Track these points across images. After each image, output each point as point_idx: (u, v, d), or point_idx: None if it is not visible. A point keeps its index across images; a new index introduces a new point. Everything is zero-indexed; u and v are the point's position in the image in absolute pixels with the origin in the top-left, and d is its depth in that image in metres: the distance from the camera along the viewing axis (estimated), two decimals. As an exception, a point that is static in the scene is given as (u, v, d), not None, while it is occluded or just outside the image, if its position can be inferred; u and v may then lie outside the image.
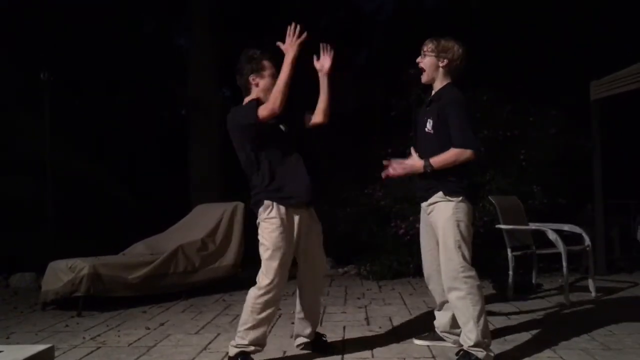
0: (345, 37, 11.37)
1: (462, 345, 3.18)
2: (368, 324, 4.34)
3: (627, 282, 6.02)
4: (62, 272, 5.16)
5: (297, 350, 3.58)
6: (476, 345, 3.09)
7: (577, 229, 5.36)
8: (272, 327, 4.29)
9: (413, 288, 6.00)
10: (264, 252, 3.23)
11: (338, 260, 7.67)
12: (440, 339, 3.63)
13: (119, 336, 4.14)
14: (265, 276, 3.21)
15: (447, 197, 3.19)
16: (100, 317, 4.88)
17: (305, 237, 3.37)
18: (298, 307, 3.56)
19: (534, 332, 3.89)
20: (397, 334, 3.90)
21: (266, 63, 3.35)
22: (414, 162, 3.25)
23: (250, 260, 6.69)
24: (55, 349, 2.89)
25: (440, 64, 3.31)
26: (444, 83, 3.34)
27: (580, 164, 6.98)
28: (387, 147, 7.41)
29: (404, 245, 6.76)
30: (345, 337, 3.90)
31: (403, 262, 6.74)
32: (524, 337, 3.74)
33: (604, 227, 6.80)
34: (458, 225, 3.16)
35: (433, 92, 3.39)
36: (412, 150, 3.30)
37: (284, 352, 3.59)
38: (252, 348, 3.25)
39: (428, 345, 3.60)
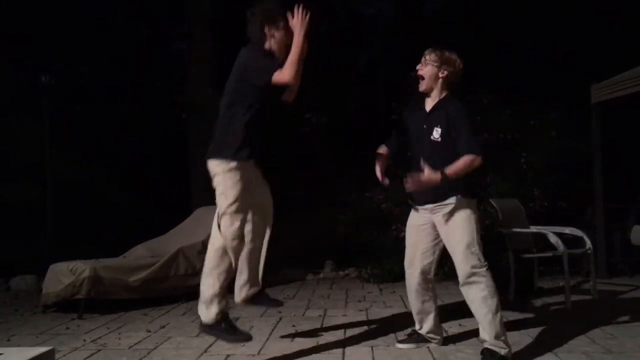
0: (345, 42, 11.39)
1: (484, 342, 3.26)
2: (369, 327, 4.33)
3: (628, 285, 6.02)
4: (63, 275, 5.16)
5: (296, 353, 3.58)
6: (497, 338, 3.20)
7: (578, 232, 5.36)
8: (274, 329, 4.30)
9: (414, 291, 5.98)
10: (225, 203, 3.26)
11: (339, 263, 7.66)
12: (426, 340, 3.67)
13: (119, 339, 4.14)
14: (229, 223, 3.26)
15: (464, 198, 3.29)
16: (101, 319, 4.88)
17: (259, 189, 3.50)
18: (243, 270, 3.56)
19: (535, 335, 3.89)
20: (399, 337, 3.90)
21: (280, 16, 3.32)
22: (430, 175, 3.17)
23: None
24: (55, 352, 2.89)
25: (441, 75, 3.38)
26: (443, 94, 3.41)
27: (580, 167, 6.98)
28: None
29: (404, 248, 6.74)
30: (346, 340, 3.90)
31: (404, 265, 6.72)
32: (525, 340, 3.73)
33: (605, 230, 6.79)
34: (475, 224, 3.30)
35: (430, 101, 3.43)
36: (423, 164, 3.22)
37: (284, 355, 3.59)
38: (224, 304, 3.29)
39: (415, 347, 3.63)
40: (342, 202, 7.85)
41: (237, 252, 3.33)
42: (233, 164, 3.26)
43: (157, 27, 11.29)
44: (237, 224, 3.28)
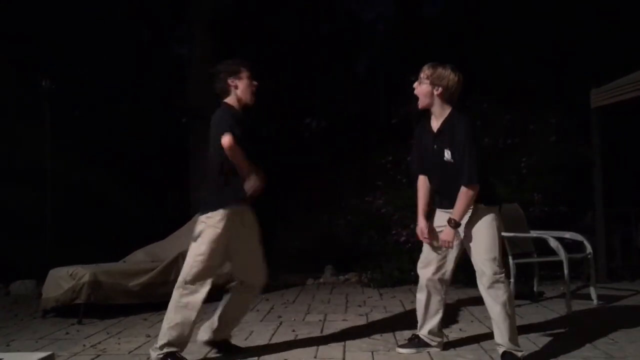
0: (345, 45, 11.40)
1: (499, 345, 3.30)
2: (369, 331, 4.32)
3: (628, 289, 6.01)
4: (63, 280, 5.16)
5: (297, 358, 3.57)
6: (513, 341, 3.27)
7: (578, 237, 5.35)
8: (273, 335, 4.29)
9: (414, 296, 5.96)
10: (199, 255, 3.41)
11: (339, 267, 7.65)
12: (426, 344, 3.67)
13: (119, 344, 4.13)
14: (194, 277, 3.43)
15: (485, 205, 3.33)
16: (101, 324, 4.87)
17: (245, 238, 3.57)
18: (221, 311, 3.67)
19: (536, 340, 3.88)
20: (399, 342, 3.89)
21: (242, 67, 3.59)
22: (447, 232, 3.33)
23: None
24: (55, 357, 2.88)
25: (435, 92, 3.35)
26: (446, 110, 3.37)
27: (580, 172, 6.97)
28: (387, 155, 7.45)
29: (404, 252, 6.74)
30: (346, 345, 3.89)
31: (404, 269, 6.72)
32: (526, 345, 3.72)
33: (605, 234, 6.78)
34: (498, 230, 3.32)
35: (435, 120, 3.42)
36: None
37: (285, 360, 3.59)
38: (174, 349, 3.40)
39: (415, 352, 3.63)
40: (342, 207, 7.85)
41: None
42: (221, 212, 3.42)
43: (158, 28, 11.31)
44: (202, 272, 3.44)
